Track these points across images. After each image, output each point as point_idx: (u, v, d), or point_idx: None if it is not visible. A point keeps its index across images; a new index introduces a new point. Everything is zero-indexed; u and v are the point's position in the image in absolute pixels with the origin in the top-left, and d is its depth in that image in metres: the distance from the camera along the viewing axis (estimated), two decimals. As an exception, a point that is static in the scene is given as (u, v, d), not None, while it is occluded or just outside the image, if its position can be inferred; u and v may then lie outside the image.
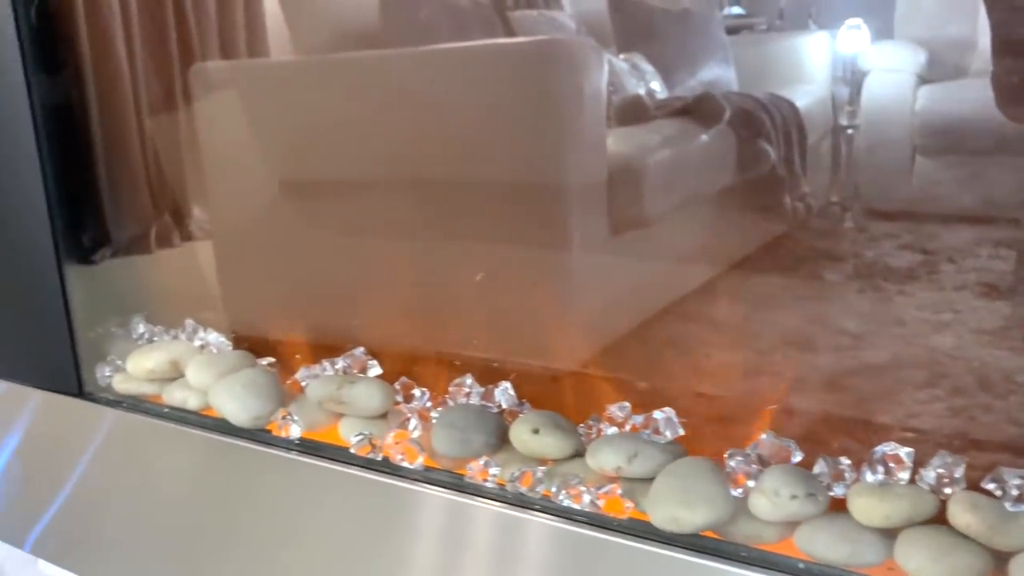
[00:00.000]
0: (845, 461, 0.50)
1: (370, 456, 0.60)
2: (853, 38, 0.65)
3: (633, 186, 0.73)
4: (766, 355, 0.67)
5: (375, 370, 0.67)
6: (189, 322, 0.77)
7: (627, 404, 0.56)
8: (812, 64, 0.72)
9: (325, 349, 0.72)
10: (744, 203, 0.70)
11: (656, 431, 0.54)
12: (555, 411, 0.59)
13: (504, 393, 0.61)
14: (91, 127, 0.80)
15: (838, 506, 0.49)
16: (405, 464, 0.59)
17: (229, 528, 0.67)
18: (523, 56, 0.71)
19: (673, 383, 0.66)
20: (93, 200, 0.80)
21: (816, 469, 0.50)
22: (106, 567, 0.78)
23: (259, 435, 0.65)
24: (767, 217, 0.68)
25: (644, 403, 0.57)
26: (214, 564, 0.69)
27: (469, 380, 0.62)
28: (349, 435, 0.63)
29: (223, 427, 0.67)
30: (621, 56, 0.85)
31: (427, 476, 0.58)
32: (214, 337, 0.74)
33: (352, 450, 0.61)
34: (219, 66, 0.92)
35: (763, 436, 0.52)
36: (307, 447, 0.63)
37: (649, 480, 0.53)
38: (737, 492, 0.50)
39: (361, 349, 0.68)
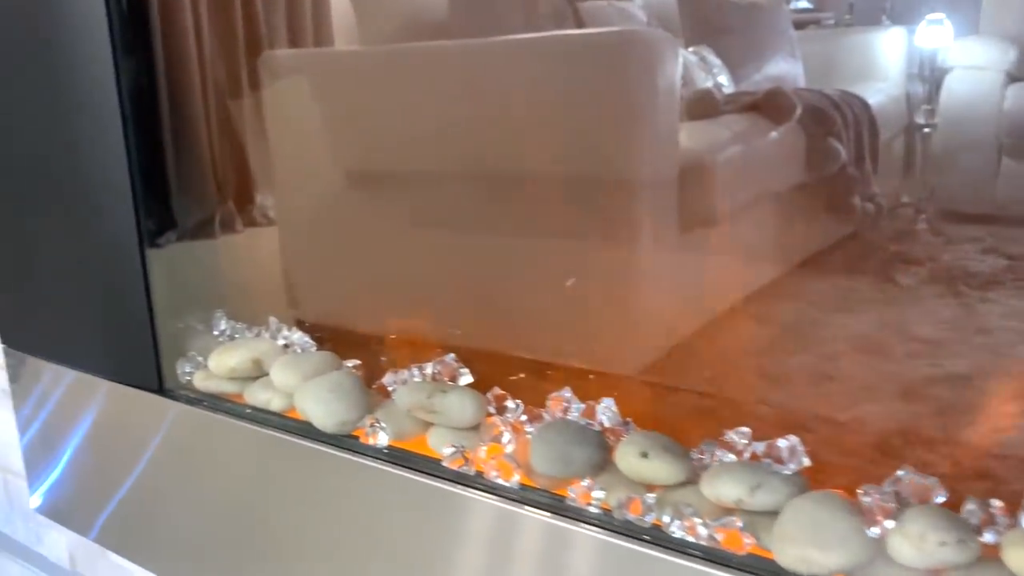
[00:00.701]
0: (996, 503, 0.45)
1: (462, 470, 0.57)
2: (934, 34, 0.62)
3: (704, 183, 0.71)
4: (850, 367, 0.63)
5: (466, 378, 0.64)
6: (272, 320, 0.74)
7: (747, 429, 0.52)
8: (885, 60, 0.68)
9: (396, 342, 0.70)
10: (813, 202, 0.67)
11: (779, 460, 0.50)
12: (644, 423, 0.55)
13: (607, 410, 0.57)
14: (161, 113, 0.78)
15: (988, 553, 0.44)
16: (500, 481, 0.55)
17: (307, 536, 0.65)
18: (598, 48, 0.69)
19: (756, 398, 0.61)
20: (163, 185, 0.78)
21: (964, 511, 0.45)
22: (174, 567, 0.77)
23: (345, 442, 0.62)
24: (836, 217, 0.66)
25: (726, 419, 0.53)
26: (286, 573, 0.67)
27: (568, 393, 0.59)
28: (439, 446, 0.60)
29: (307, 431, 0.64)
30: (690, 49, 0.83)
31: (524, 496, 0.54)
32: (298, 336, 0.72)
33: (444, 463, 0.57)
34: (288, 54, 0.90)
35: (901, 472, 0.47)
36: (396, 457, 0.60)
37: (770, 514, 0.48)
38: (873, 532, 0.46)
39: (452, 356, 0.64)
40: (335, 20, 0.90)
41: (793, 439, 0.50)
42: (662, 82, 0.69)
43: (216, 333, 0.76)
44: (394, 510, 0.59)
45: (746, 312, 0.68)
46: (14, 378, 0.90)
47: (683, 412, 0.63)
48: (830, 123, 0.68)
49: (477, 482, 0.56)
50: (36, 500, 0.91)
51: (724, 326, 0.68)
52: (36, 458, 0.90)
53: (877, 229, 0.66)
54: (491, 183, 0.71)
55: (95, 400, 0.80)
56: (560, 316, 0.70)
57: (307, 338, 0.72)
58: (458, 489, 0.56)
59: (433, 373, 0.64)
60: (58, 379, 0.83)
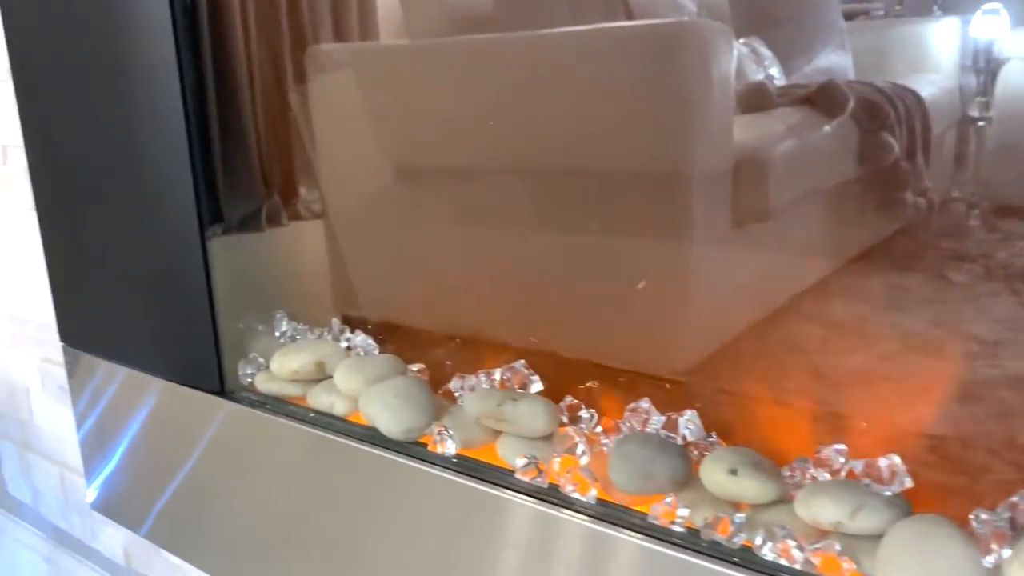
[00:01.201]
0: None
1: (536, 482, 0.55)
2: (989, 23, 0.59)
3: (758, 177, 0.69)
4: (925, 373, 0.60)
5: (537, 386, 0.61)
6: (335, 322, 0.73)
7: (844, 447, 0.49)
8: (937, 52, 0.66)
9: (446, 338, 0.68)
10: (865, 196, 0.66)
11: (879, 481, 0.47)
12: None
13: (689, 423, 0.54)
14: (214, 110, 0.77)
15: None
16: (576, 495, 0.53)
17: (368, 544, 0.63)
18: (651, 40, 0.68)
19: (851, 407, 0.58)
20: (219, 181, 0.77)
21: (1091, 543, 0.42)
22: (228, 568, 0.76)
23: (412, 449, 0.61)
24: (888, 212, 0.64)
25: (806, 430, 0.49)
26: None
27: (647, 404, 0.56)
28: (509, 456, 0.58)
29: (372, 437, 0.62)
30: (741, 40, 0.80)
31: (603, 512, 0.52)
32: (361, 339, 0.70)
33: (517, 474, 0.55)
34: (334, 49, 0.89)
35: (1016, 498, 0.44)
36: (465, 466, 0.58)
37: (869, 538, 0.45)
38: (988, 561, 0.42)
39: (522, 362, 0.62)
40: (381, 14, 0.89)
41: (894, 458, 0.47)
42: (717, 75, 0.67)
43: (277, 335, 0.75)
44: (462, 521, 0.57)
45: (798, 310, 0.65)
46: (71, 374, 0.90)
47: (757, 420, 0.60)
48: (883, 117, 0.65)
49: (552, 495, 0.54)
50: (92, 496, 0.91)
51: (777, 324, 0.65)
52: (92, 454, 0.90)
53: (929, 224, 0.63)
54: (540, 178, 0.69)
55: (152, 398, 0.80)
56: (613, 313, 0.68)
57: (370, 340, 0.71)
58: (531, 502, 0.54)
59: (502, 379, 0.62)
60: (114, 377, 0.83)
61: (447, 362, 0.68)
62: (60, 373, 1.06)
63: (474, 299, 0.74)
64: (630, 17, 0.81)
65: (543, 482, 0.55)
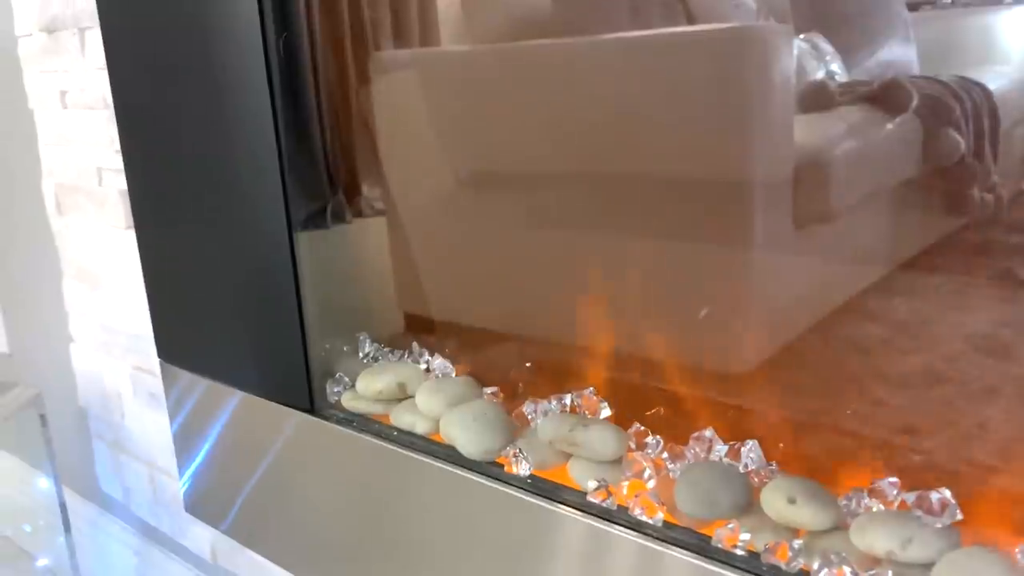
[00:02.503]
0: None
1: (606, 504, 0.60)
2: None
3: (819, 179, 0.70)
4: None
5: (605, 411, 0.66)
6: (415, 344, 0.78)
7: (896, 480, 0.53)
8: (1008, 43, 0.66)
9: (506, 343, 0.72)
10: (930, 194, 0.67)
11: (931, 512, 0.51)
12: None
13: (751, 452, 0.58)
14: (299, 136, 0.82)
15: None
16: (644, 518, 0.58)
17: (446, 558, 0.69)
18: (711, 45, 0.70)
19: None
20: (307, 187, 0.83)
21: None
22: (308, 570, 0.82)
23: (489, 469, 0.66)
24: (954, 210, 0.65)
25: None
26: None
27: (710, 433, 0.60)
28: (580, 478, 0.63)
29: (452, 456, 0.68)
30: (801, 36, 0.81)
31: (669, 535, 0.56)
32: (439, 362, 0.76)
33: (588, 496, 0.60)
34: (398, 55, 0.92)
35: (1062, 531, 0.47)
36: (539, 487, 0.63)
37: (921, 566, 0.49)
38: (1032, 593, 0.46)
39: (591, 389, 0.67)
40: (442, 19, 0.92)
41: (945, 492, 0.51)
42: (777, 79, 0.69)
43: (361, 355, 0.81)
44: (534, 539, 0.62)
45: (861, 311, 0.68)
46: (168, 387, 0.98)
47: (817, 442, 0.64)
48: (948, 113, 0.66)
49: (620, 517, 0.59)
50: (182, 497, 0.99)
51: (839, 324, 0.68)
52: (184, 457, 0.98)
53: (997, 221, 0.64)
54: (601, 183, 0.72)
55: (243, 413, 0.86)
56: (674, 319, 0.71)
57: (447, 363, 0.76)
58: (601, 524, 0.58)
59: (573, 404, 0.67)
60: (207, 392, 0.90)
61: (519, 385, 0.73)
62: (151, 381, 1.15)
63: (524, 297, 0.78)
64: (690, 18, 0.83)
65: (612, 504, 0.60)
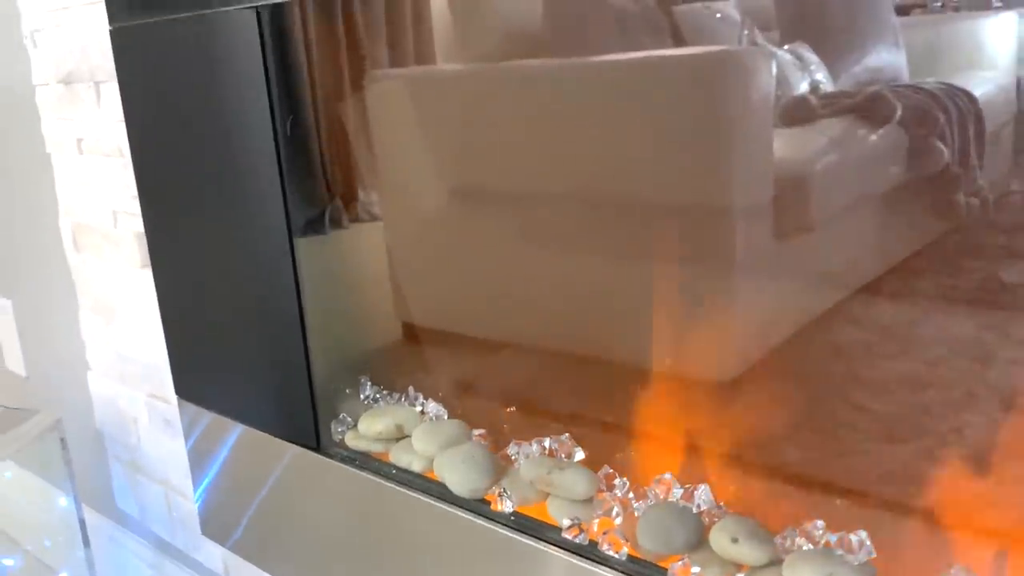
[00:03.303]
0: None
1: (578, 540, 0.69)
2: None
3: (800, 194, 0.73)
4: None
5: (579, 455, 0.75)
6: (410, 389, 0.87)
7: (821, 522, 0.62)
8: (994, 48, 0.67)
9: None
10: (915, 201, 0.69)
11: (850, 551, 0.60)
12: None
13: (703, 495, 0.67)
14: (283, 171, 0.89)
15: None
16: (611, 553, 0.67)
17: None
18: (691, 69, 0.73)
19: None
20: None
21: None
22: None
23: (476, 506, 0.75)
24: (939, 215, 0.67)
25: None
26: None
27: (669, 476, 0.70)
28: (557, 515, 0.72)
29: (444, 494, 0.77)
30: (785, 47, 0.80)
31: (631, 568, 0.66)
32: (433, 406, 0.85)
33: (563, 533, 0.69)
34: (393, 74, 0.96)
35: (954, 570, 0.56)
36: (521, 524, 0.72)
37: (842, 597, 0.58)
38: (929, 622, 0.55)
39: (567, 435, 0.76)
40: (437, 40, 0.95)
41: (862, 534, 0.60)
42: (757, 99, 0.73)
43: (362, 397, 0.90)
44: (518, 573, 0.71)
45: (841, 318, 0.70)
46: (185, 423, 1.07)
47: (784, 450, 0.71)
48: (932, 123, 0.67)
49: (591, 552, 0.68)
50: (198, 519, 1.08)
51: (821, 331, 0.70)
52: (200, 483, 1.07)
53: (982, 224, 0.65)
54: (583, 204, 0.76)
55: (254, 445, 0.95)
56: (652, 337, 0.76)
57: (440, 407, 0.85)
58: (574, 558, 0.68)
59: (551, 449, 0.76)
60: (221, 429, 0.99)
61: (504, 425, 0.82)
62: (165, 408, 1.24)
63: (512, 309, 0.85)
64: (676, 35, 0.88)
65: (584, 539, 0.69)
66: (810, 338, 0.71)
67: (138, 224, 1.15)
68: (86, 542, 1.42)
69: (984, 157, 0.66)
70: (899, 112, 0.69)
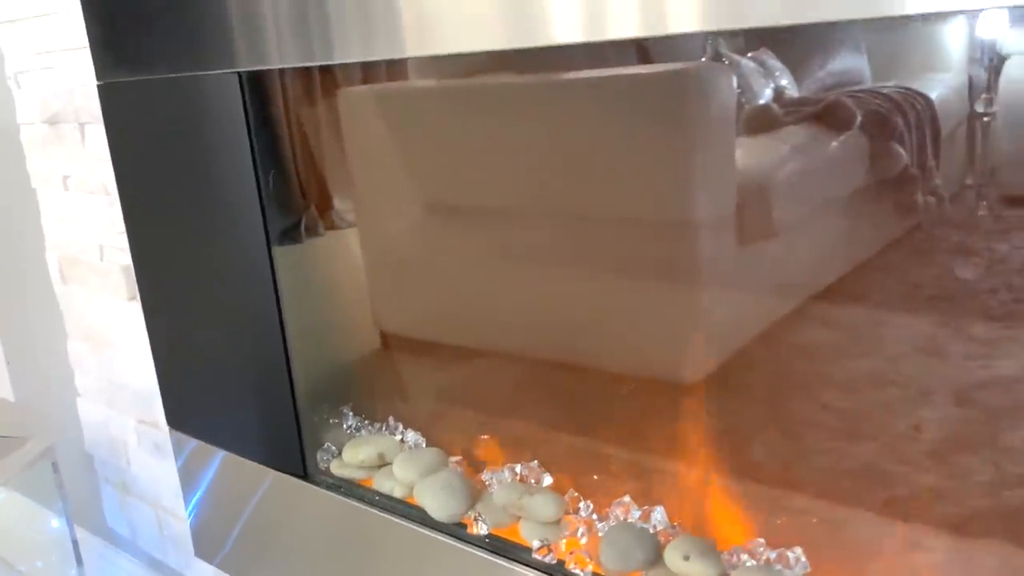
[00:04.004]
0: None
1: (547, 559, 0.76)
2: (993, 22, 0.63)
3: (762, 202, 0.77)
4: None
5: (547, 479, 0.83)
6: (390, 419, 0.94)
7: (763, 540, 0.69)
8: (948, 51, 0.69)
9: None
10: (875, 203, 0.72)
11: (788, 566, 0.67)
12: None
13: (659, 516, 0.75)
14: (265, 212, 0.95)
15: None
16: (577, 571, 0.74)
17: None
18: (654, 86, 0.75)
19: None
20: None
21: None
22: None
23: (454, 530, 0.82)
24: (899, 214, 0.70)
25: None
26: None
27: (627, 499, 0.77)
28: (528, 536, 0.79)
29: (424, 519, 0.84)
30: (749, 55, 0.82)
31: (595, 584, 0.73)
32: (412, 436, 0.92)
33: (533, 553, 0.77)
34: (365, 91, 1.01)
35: (879, 580, 0.64)
36: (495, 545, 0.79)
37: (781, 607, 0.66)
38: (855, 629, 0.63)
39: (536, 462, 0.83)
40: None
41: (798, 550, 0.68)
42: (717, 112, 0.76)
43: (345, 427, 0.97)
44: (494, 586, 0.79)
45: (807, 318, 0.73)
46: (177, 452, 1.13)
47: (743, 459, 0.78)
48: (891, 128, 0.71)
49: (559, 571, 0.75)
50: (186, 536, 1.14)
51: (787, 331, 0.73)
52: (191, 506, 1.13)
53: (939, 222, 0.68)
54: (549, 219, 0.80)
55: (244, 474, 1.02)
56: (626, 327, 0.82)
57: (419, 436, 0.92)
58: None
59: (521, 474, 0.83)
60: (213, 458, 1.05)
61: (478, 450, 0.89)
62: (155, 433, 1.29)
63: (477, 317, 0.90)
64: (643, 52, 0.93)
65: (553, 559, 0.76)
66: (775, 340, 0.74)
67: (124, 258, 1.20)
68: (79, 561, 1.47)
69: (940, 158, 0.69)
70: (859, 119, 0.72)
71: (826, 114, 0.74)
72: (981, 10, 0.57)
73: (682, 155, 0.75)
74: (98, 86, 1.00)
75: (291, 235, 0.94)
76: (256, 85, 0.85)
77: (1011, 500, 0.61)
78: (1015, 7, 0.53)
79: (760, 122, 0.78)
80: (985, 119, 0.65)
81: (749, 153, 0.77)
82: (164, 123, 0.94)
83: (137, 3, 0.89)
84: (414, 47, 0.68)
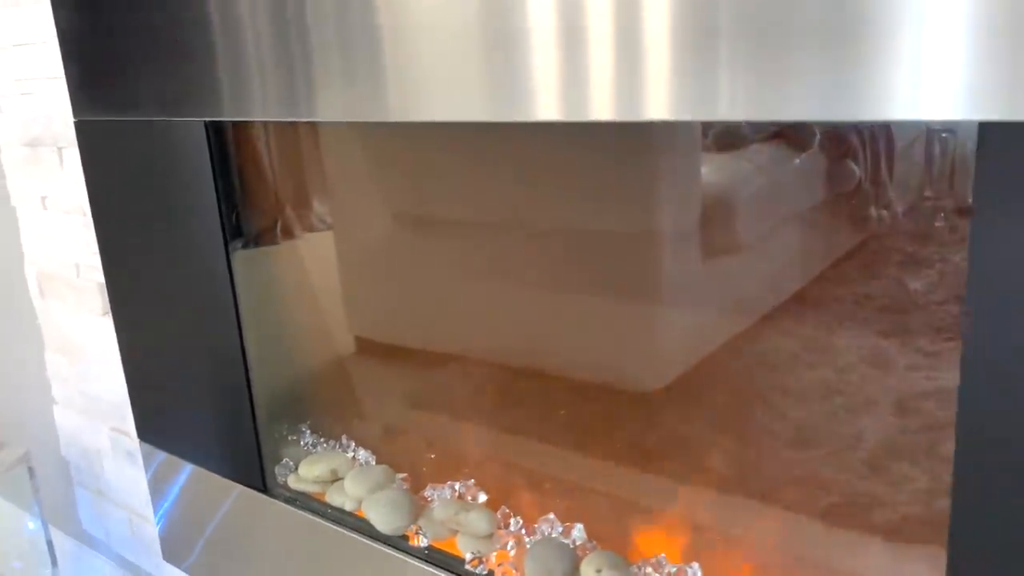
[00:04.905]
0: None
1: (479, 570, 0.85)
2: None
3: (726, 217, 0.81)
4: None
5: (482, 497, 0.92)
6: (344, 437, 1.03)
7: (663, 555, 0.79)
8: None
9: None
10: (832, 217, 0.76)
11: (687, 580, 0.77)
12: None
13: (579, 532, 0.84)
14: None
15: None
16: (504, 581, 0.83)
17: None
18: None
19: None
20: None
21: None
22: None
23: (398, 542, 0.91)
24: (854, 227, 0.73)
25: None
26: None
27: (552, 516, 0.86)
28: (464, 549, 0.88)
29: (371, 531, 0.93)
30: None
31: (519, 594, 0.82)
32: (363, 453, 1.01)
33: (466, 565, 0.86)
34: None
35: (763, 593, 0.73)
36: (433, 556, 0.88)
37: (679, 616, 0.75)
38: (740, 636, 0.72)
39: (472, 480, 0.92)
40: None
41: (696, 566, 0.77)
42: (681, 134, 0.79)
43: (302, 444, 1.06)
44: (431, 594, 0.88)
45: (762, 333, 0.77)
46: (147, 463, 1.22)
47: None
48: (846, 145, 0.74)
49: (489, 581, 0.84)
50: (157, 540, 1.23)
51: (745, 343, 0.77)
52: (160, 513, 1.22)
53: (893, 234, 0.71)
54: (521, 238, 0.86)
55: (208, 486, 1.10)
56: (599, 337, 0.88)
57: (369, 453, 1.01)
58: (475, 585, 0.84)
59: (459, 492, 0.92)
60: (181, 470, 1.14)
61: (424, 468, 0.98)
62: (127, 441, 1.38)
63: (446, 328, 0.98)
64: None
65: (484, 570, 0.85)
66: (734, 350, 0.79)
67: (99, 275, 1.29)
68: (54, 562, 1.56)
69: (894, 172, 0.72)
70: (818, 136, 0.77)
71: (788, 132, 0.78)
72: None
73: (649, 172, 0.79)
74: (75, 123, 1.08)
75: (252, 263, 1.03)
76: (219, 131, 0.93)
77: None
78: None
79: (725, 141, 0.82)
80: (943, 135, 0.69)
81: (714, 169, 0.81)
82: (136, 160, 1.02)
83: (111, 49, 0.98)
84: (398, 113, 0.72)
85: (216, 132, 0.93)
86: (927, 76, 0.47)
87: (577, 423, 0.91)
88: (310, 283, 1.08)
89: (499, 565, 0.84)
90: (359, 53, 0.73)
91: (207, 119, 0.91)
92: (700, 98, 0.56)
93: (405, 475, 0.98)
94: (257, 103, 0.84)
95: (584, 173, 0.84)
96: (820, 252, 0.77)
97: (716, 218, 0.83)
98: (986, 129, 0.47)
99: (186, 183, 0.98)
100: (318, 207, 1.06)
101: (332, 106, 0.77)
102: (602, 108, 0.60)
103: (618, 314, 0.85)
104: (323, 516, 0.97)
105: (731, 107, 0.55)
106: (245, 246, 1.01)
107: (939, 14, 0.46)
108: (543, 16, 0.61)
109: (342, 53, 0.74)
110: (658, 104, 0.58)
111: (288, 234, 1.07)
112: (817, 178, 0.78)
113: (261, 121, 0.96)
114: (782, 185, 0.82)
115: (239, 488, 1.05)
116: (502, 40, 0.64)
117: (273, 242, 1.06)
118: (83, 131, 1.08)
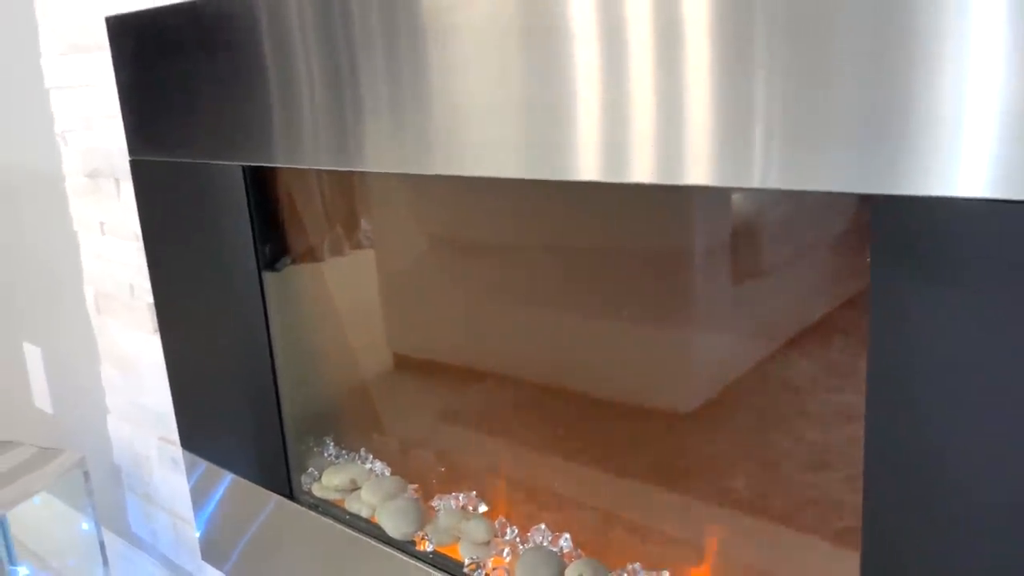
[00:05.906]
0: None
1: (477, 574, 0.96)
2: None
3: (753, 242, 0.83)
4: None
5: (483, 507, 1.02)
6: (362, 450, 1.15)
7: (638, 563, 0.88)
8: None
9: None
10: (850, 242, 0.77)
11: (659, 587, 0.86)
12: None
13: (566, 541, 0.94)
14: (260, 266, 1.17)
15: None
16: (498, 584, 0.94)
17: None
18: None
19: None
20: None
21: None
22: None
23: (406, 546, 1.02)
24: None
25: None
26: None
27: (543, 526, 0.96)
28: (465, 554, 0.99)
29: (383, 536, 1.04)
30: None
31: (511, 596, 0.92)
32: (379, 465, 1.12)
33: (465, 569, 0.96)
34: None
35: (726, 601, 0.83)
36: (438, 561, 0.99)
37: (651, 619, 0.85)
38: (702, 638, 0.81)
39: (474, 492, 1.03)
40: None
41: (664, 573, 0.86)
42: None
43: (326, 455, 1.17)
44: (435, 594, 0.98)
45: (793, 354, 0.80)
46: (189, 471, 1.35)
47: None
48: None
49: (485, 584, 0.95)
50: (198, 544, 1.36)
51: (773, 366, 0.80)
52: (200, 517, 1.35)
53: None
54: (554, 257, 0.91)
55: (243, 491, 1.23)
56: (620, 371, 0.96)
57: (384, 465, 1.12)
58: (472, 587, 0.95)
59: (463, 502, 1.03)
60: (221, 477, 1.27)
61: (433, 480, 1.09)
62: (173, 449, 1.52)
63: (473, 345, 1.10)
64: None
65: (481, 574, 0.96)
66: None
67: (151, 296, 1.43)
68: (105, 561, 1.70)
69: None
70: None
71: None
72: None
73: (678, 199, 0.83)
74: (130, 162, 1.22)
75: (282, 290, 1.15)
76: (256, 171, 1.06)
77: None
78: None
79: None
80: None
81: (739, 198, 0.83)
82: (183, 195, 1.16)
83: (163, 99, 1.11)
84: (443, 167, 0.78)
85: (252, 172, 1.06)
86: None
87: (580, 439, 1.01)
88: (335, 308, 1.20)
89: (494, 569, 0.95)
90: (408, 116, 0.81)
91: (243, 163, 1.04)
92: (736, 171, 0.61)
93: (416, 486, 1.09)
94: (308, 152, 0.95)
95: (621, 199, 0.88)
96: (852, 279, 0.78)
97: (744, 242, 0.86)
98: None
99: (225, 219, 1.11)
100: (342, 240, 1.18)
101: (382, 158, 0.86)
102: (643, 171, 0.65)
103: (640, 338, 0.90)
104: (342, 522, 1.08)
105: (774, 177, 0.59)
106: (276, 273, 1.14)
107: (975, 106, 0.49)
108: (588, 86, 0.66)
109: (391, 113, 0.83)
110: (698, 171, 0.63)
111: (315, 263, 1.20)
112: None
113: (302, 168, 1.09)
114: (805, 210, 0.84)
115: (275, 497, 1.17)
116: (551, 110, 0.69)
117: (301, 272, 1.19)
118: (137, 168, 1.22)
